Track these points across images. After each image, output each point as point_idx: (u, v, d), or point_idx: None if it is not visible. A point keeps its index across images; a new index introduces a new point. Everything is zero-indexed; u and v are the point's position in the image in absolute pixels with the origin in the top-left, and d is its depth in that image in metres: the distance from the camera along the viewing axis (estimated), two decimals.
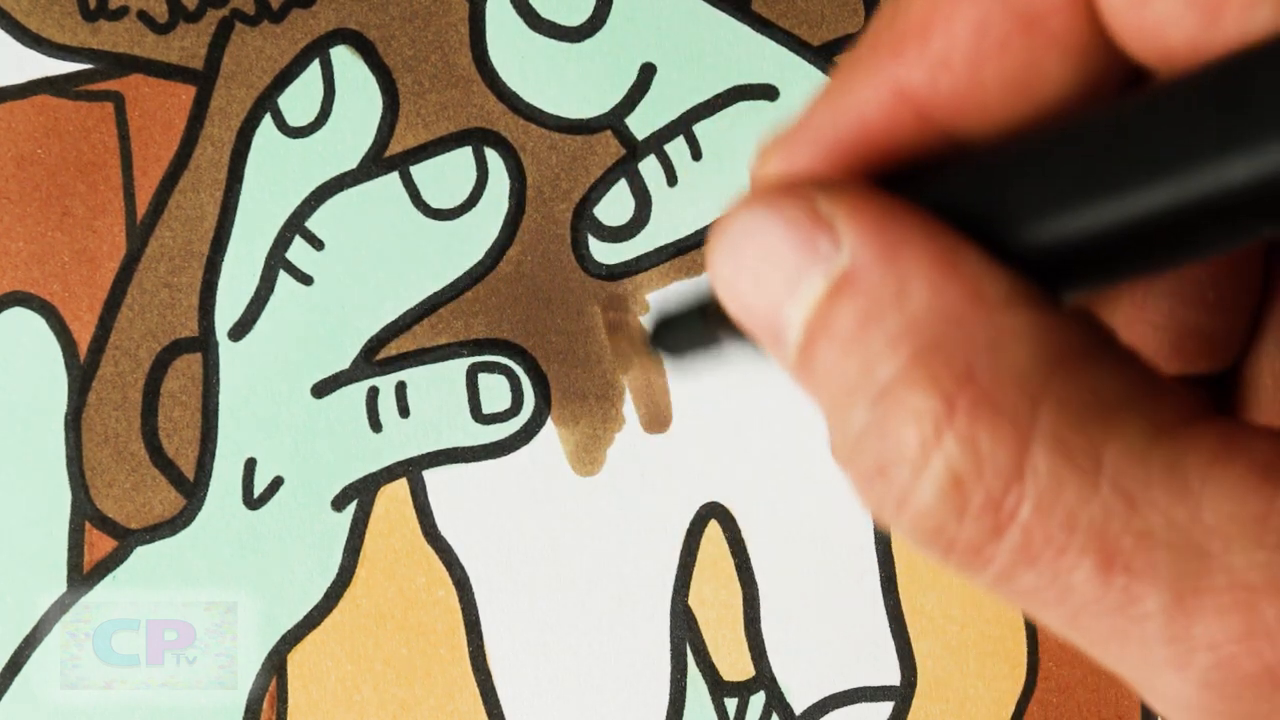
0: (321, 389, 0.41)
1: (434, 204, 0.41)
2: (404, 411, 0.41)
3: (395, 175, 0.41)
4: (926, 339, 0.16)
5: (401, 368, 0.41)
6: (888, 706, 0.41)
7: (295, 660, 0.40)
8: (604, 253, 0.41)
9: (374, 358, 0.41)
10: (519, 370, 0.41)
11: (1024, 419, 0.15)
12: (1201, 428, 0.15)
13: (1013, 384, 0.15)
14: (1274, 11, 0.15)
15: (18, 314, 0.40)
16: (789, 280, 0.17)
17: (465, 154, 0.41)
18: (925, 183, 0.17)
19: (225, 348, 0.40)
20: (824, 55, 0.42)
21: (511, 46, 0.41)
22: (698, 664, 0.41)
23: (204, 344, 0.40)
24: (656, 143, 0.41)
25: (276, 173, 0.41)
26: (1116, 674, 0.16)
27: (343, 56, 0.41)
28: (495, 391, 0.41)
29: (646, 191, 0.41)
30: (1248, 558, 0.15)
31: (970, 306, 0.16)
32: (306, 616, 0.40)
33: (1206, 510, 0.15)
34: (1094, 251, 0.16)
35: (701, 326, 0.21)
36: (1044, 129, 0.17)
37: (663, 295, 0.41)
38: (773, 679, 0.41)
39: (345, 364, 0.41)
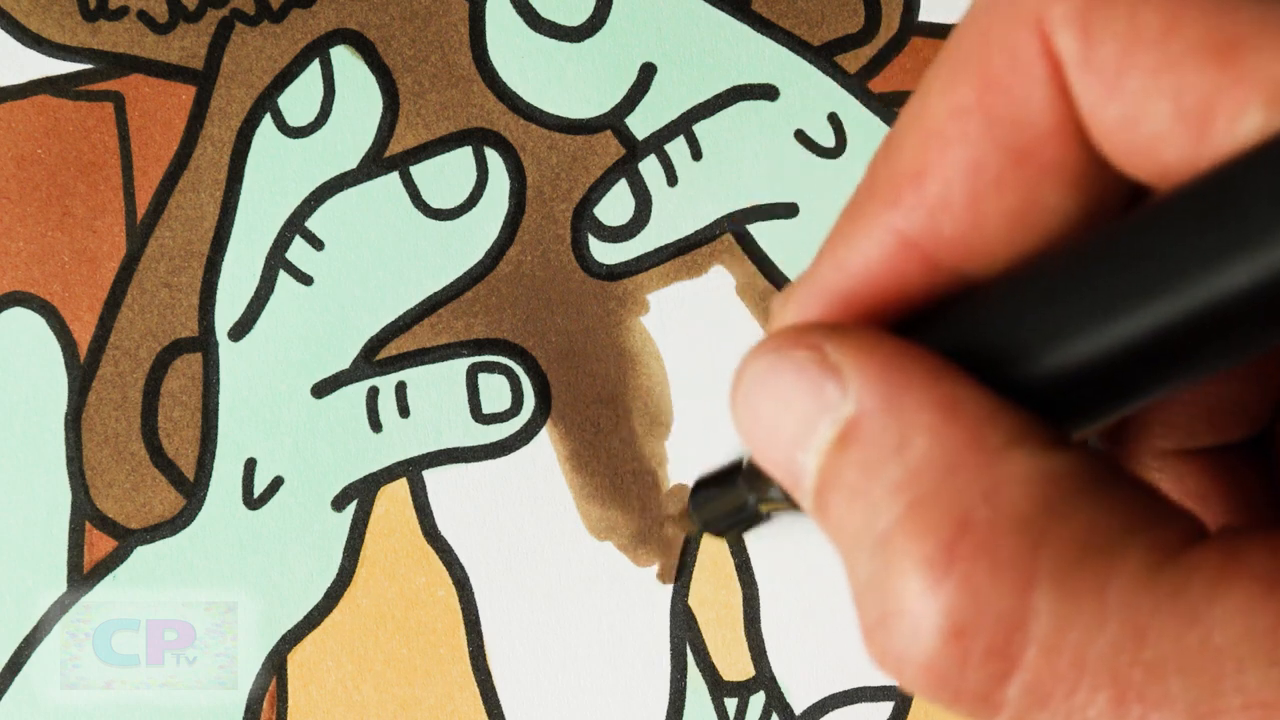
0: (321, 389, 0.41)
1: (434, 204, 0.41)
2: (404, 411, 0.41)
3: (395, 175, 0.41)
4: (925, 488, 0.16)
5: (401, 368, 0.41)
6: (888, 706, 0.41)
7: (295, 660, 0.40)
8: (604, 253, 0.41)
9: (374, 358, 0.41)
10: (519, 370, 0.41)
11: (1024, 563, 0.15)
12: (1204, 547, 0.15)
13: (1011, 530, 0.15)
14: (1262, 118, 0.14)
15: (18, 314, 0.40)
16: (801, 427, 0.17)
17: (465, 154, 0.41)
18: (932, 323, 0.17)
19: (225, 348, 0.40)
20: (824, 55, 0.42)
21: (511, 46, 0.41)
22: (698, 664, 0.41)
23: (204, 344, 0.40)
24: (656, 143, 0.41)
25: (276, 173, 0.41)
26: None
27: (343, 56, 0.41)
28: (495, 392, 0.41)
29: (646, 191, 0.41)
30: (1261, 675, 0.14)
31: (969, 453, 0.16)
32: (306, 616, 0.40)
33: (1216, 632, 0.15)
34: (1102, 377, 0.16)
35: (737, 489, 0.21)
36: (1044, 259, 0.16)
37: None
38: (773, 679, 0.41)
39: (345, 364, 0.41)
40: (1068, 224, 0.17)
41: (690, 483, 0.22)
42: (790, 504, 0.20)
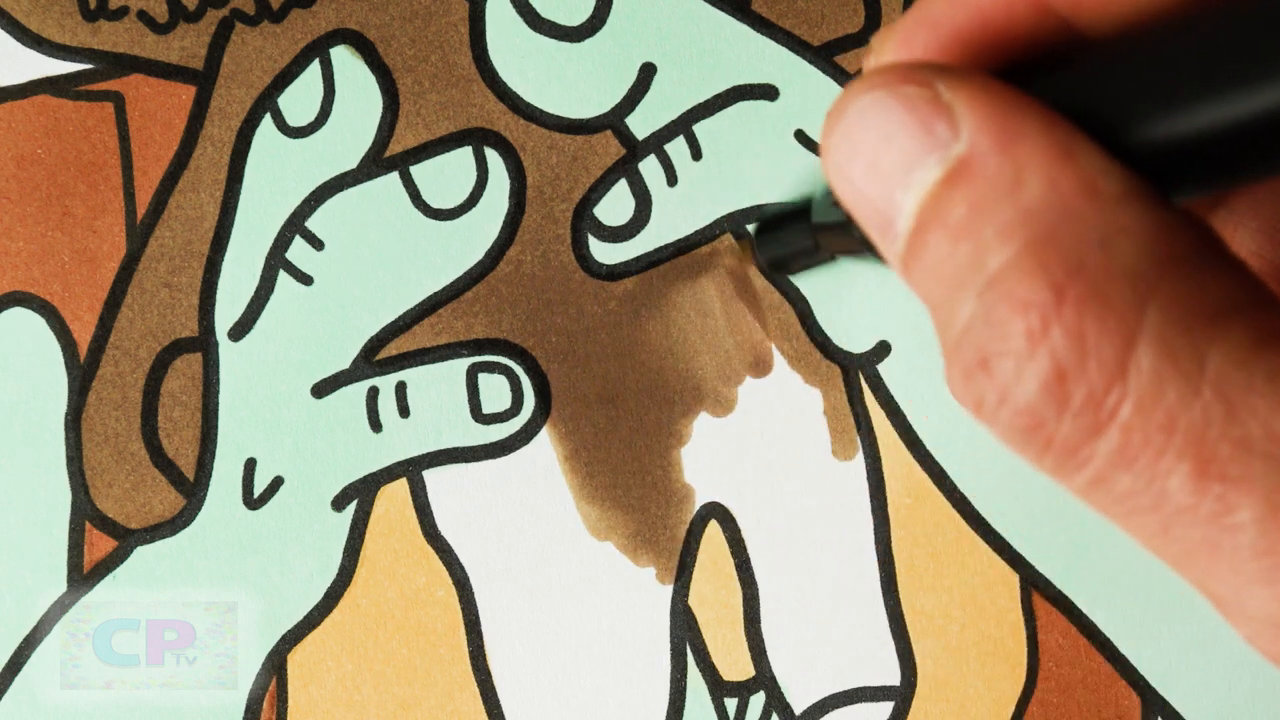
0: (321, 389, 0.41)
1: (434, 204, 0.41)
2: (404, 411, 0.41)
3: (395, 175, 0.41)
4: (1039, 230, 0.16)
5: (401, 368, 0.41)
6: (888, 706, 0.41)
7: (295, 660, 0.40)
8: (604, 253, 0.41)
9: (374, 358, 0.41)
10: (519, 370, 0.41)
11: (1132, 316, 0.15)
12: None
13: (1123, 280, 0.15)
14: None
15: (18, 314, 0.40)
16: (904, 165, 0.17)
17: (465, 154, 0.41)
18: (1044, 77, 0.17)
19: (225, 348, 0.40)
20: (824, 55, 0.42)
21: (511, 46, 0.41)
22: (698, 664, 0.41)
23: (204, 344, 0.40)
24: (656, 143, 0.41)
25: (276, 173, 0.41)
26: (1203, 593, 0.16)
27: (343, 56, 0.41)
28: (495, 391, 0.41)
29: (646, 191, 0.41)
30: None
31: (1085, 200, 0.16)
32: (306, 616, 0.40)
33: None
34: (1211, 149, 0.16)
35: (804, 229, 0.21)
36: (1163, 24, 0.16)
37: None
38: (773, 679, 0.41)
39: (345, 364, 0.41)
40: None
41: (755, 219, 0.22)
42: (866, 248, 0.19)
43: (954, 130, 0.16)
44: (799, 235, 0.21)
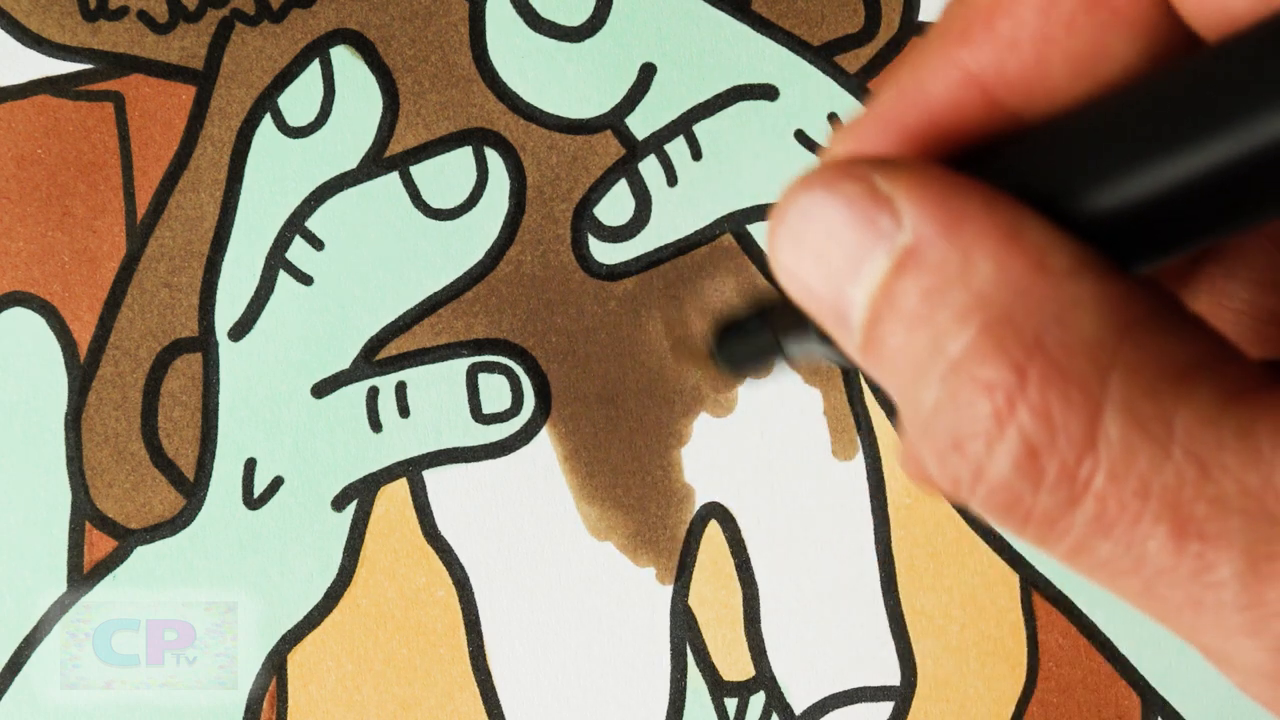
0: (321, 389, 0.41)
1: (434, 204, 0.41)
2: (404, 411, 0.41)
3: (395, 175, 0.41)
4: (994, 312, 0.16)
5: (401, 368, 0.41)
6: (888, 706, 0.41)
7: (295, 660, 0.40)
8: (604, 253, 0.41)
9: (374, 358, 0.41)
10: (519, 370, 0.41)
11: (1095, 387, 0.15)
12: (1272, 393, 0.15)
13: (1082, 352, 0.15)
14: None
15: (18, 314, 0.40)
16: (851, 259, 0.17)
17: (465, 154, 0.41)
18: (988, 158, 0.17)
19: (225, 348, 0.40)
20: (824, 55, 0.42)
21: (511, 46, 0.41)
22: (698, 664, 0.41)
23: (204, 344, 0.40)
24: (656, 143, 0.41)
25: (276, 173, 0.41)
26: (1193, 646, 0.16)
27: (343, 56, 0.41)
28: (495, 392, 0.41)
29: (646, 191, 0.41)
30: None
31: (1036, 277, 0.16)
32: (306, 616, 0.40)
33: (1279, 476, 0.15)
34: (1160, 213, 0.16)
35: (763, 332, 0.21)
36: (1103, 98, 0.16)
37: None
38: (773, 679, 0.41)
39: (345, 364, 0.41)
40: (1129, 74, 0.17)
41: (713, 321, 0.22)
42: (823, 342, 0.20)
43: (896, 221, 0.17)
44: (758, 336, 0.21)
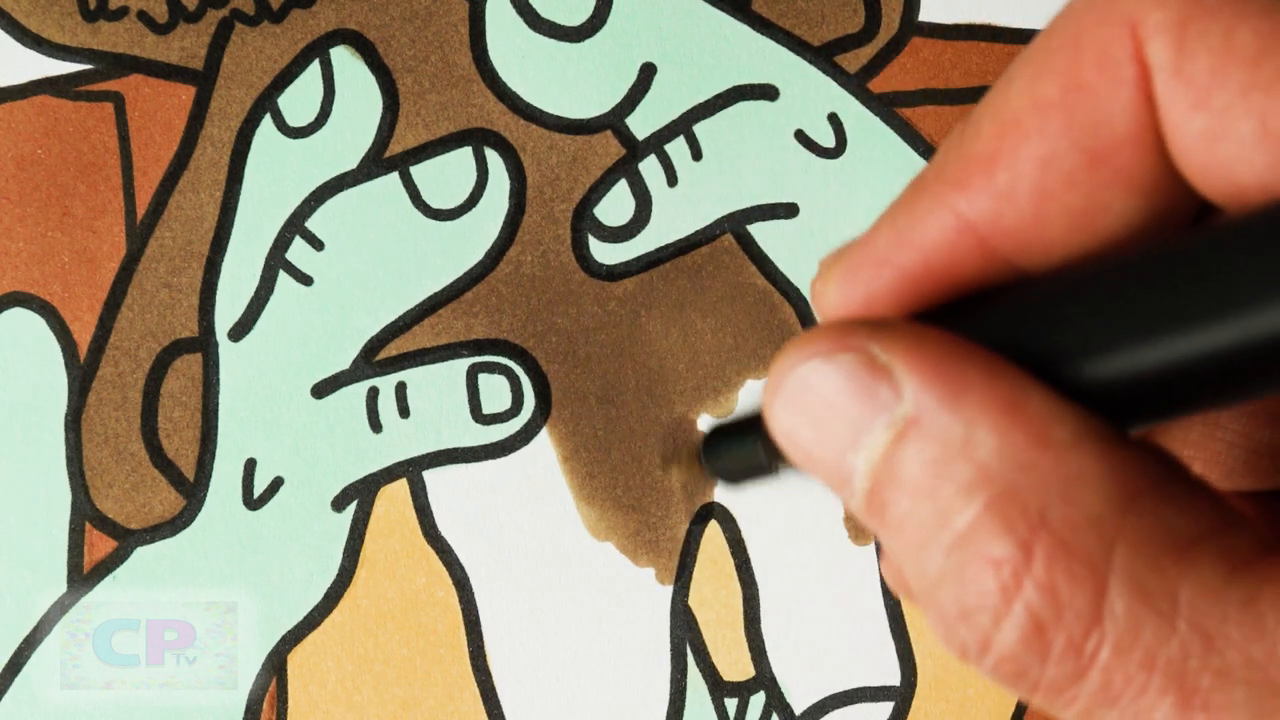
0: (321, 389, 0.41)
1: (434, 204, 0.41)
2: (404, 412, 0.41)
3: (395, 175, 0.41)
4: (999, 486, 0.16)
5: (401, 368, 0.41)
6: (888, 706, 0.41)
7: (295, 660, 0.40)
8: (604, 253, 0.41)
9: (374, 358, 0.41)
10: (519, 371, 0.41)
11: (1100, 561, 0.15)
12: (1275, 563, 0.15)
13: (1087, 527, 0.16)
14: None
15: (18, 314, 0.40)
16: (851, 430, 0.17)
17: (465, 154, 0.41)
18: (986, 316, 0.17)
19: (225, 348, 0.40)
20: (824, 55, 0.42)
21: (511, 46, 0.41)
22: (698, 664, 0.41)
23: (204, 344, 0.40)
24: (656, 143, 0.41)
25: (276, 173, 0.41)
26: None
27: (343, 56, 0.41)
28: (495, 392, 0.41)
29: (646, 191, 0.41)
30: None
31: (1039, 451, 0.16)
32: (306, 617, 0.40)
33: None
34: (1165, 384, 0.16)
35: (757, 450, 0.21)
36: (1107, 261, 0.16)
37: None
38: (773, 679, 0.41)
39: (345, 364, 0.41)
40: (1129, 231, 0.17)
41: (704, 429, 0.22)
42: None
43: (896, 391, 0.17)
44: (750, 450, 0.21)
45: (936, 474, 0.16)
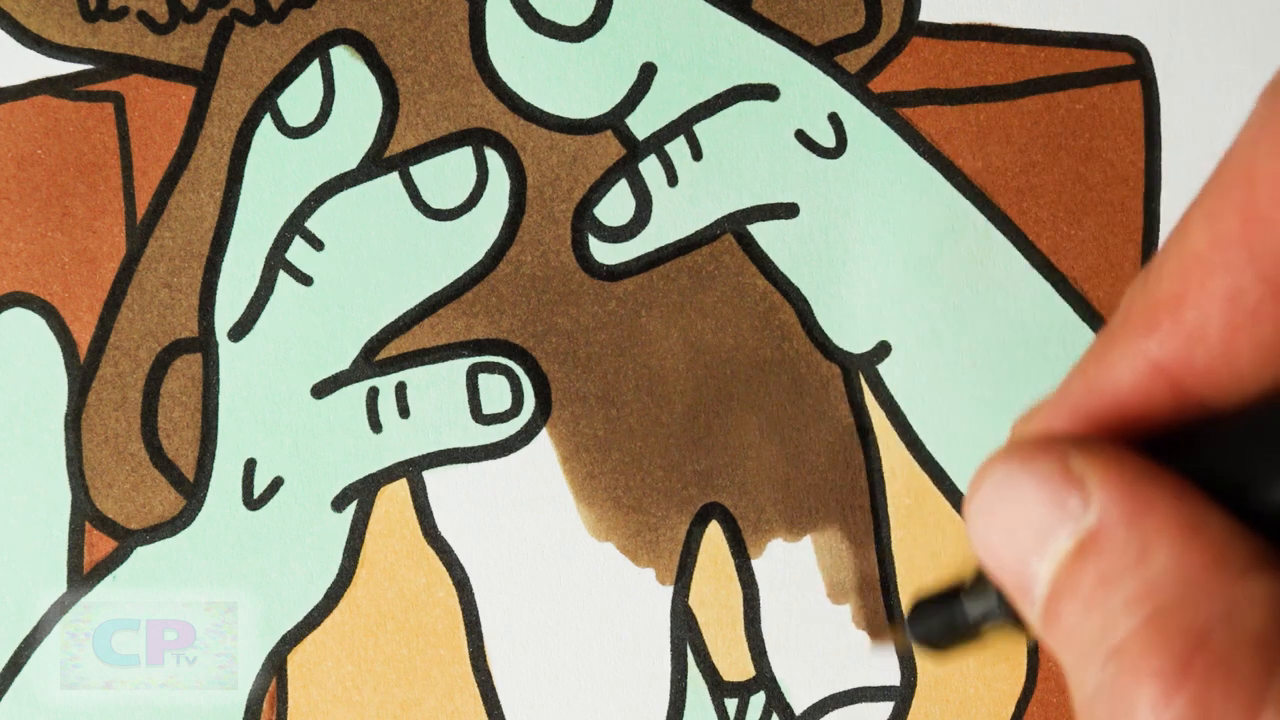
0: (321, 389, 0.41)
1: (434, 204, 0.41)
2: (404, 412, 0.41)
3: (395, 175, 0.41)
4: (1163, 602, 0.16)
5: (401, 368, 0.41)
6: (888, 706, 0.41)
7: (295, 660, 0.40)
8: (604, 253, 0.41)
9: (374, 358, 0.41)
10: (519, 371, 0.41)
11: (1258, 683, 0.15)
12: None
13: (1249, 649, 0.16)
14: None
15: (18, 314, 0.40)
16: (1038, 536, 0.18)
17: (465, 154, 0.41)
18: (1176, 447, 0.18)
19: (225, 348, 0.40)
20: (824, 55, 0.42)
21: (511, 46, 0.41)
22: (698, 664, 0.41)
23: (204, 344, 0.40)
24: (657, 143, 0.41)
25: (276, 173, 0.41)
26: None
27: (343, 56, 0.41)
28: (495, 392, 0.41)
29: (647, 191, 0.41)
30: None
31: (1211, 572, 0.16)
32: (306, 617, 0.40)
33: None
34: None
35: (959, 613, 0.21)
36: None
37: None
38: (773, 679, 0.41)
39: (345, 364, 0.41)
40: None
41: (909, 599, 0.23)
42: (1012, 620, 0.20)
43: (1085, 502, 0.17)
44: (952, 615, 0.22)
45: (1107, 586, 0.17)
